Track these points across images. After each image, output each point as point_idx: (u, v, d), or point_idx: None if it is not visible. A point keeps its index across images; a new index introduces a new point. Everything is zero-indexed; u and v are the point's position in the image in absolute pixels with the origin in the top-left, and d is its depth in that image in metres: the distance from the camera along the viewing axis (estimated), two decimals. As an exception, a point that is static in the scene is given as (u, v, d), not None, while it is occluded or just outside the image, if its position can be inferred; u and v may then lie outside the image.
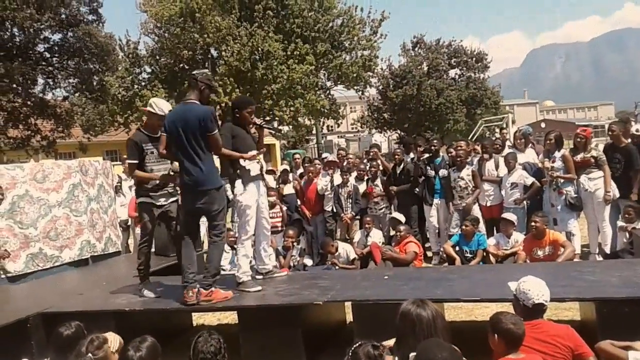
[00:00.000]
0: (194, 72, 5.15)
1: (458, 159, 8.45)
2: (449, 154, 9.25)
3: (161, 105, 5.42)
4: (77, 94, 19.61)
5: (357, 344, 2.93)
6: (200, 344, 3.04)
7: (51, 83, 18.86)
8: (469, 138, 23.10)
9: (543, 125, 46.85)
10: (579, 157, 7.61)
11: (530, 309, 3.44)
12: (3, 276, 6.86)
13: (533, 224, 6.65)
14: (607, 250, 7.47)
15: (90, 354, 3.23)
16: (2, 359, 4.38)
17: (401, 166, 9.07)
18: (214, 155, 5.02)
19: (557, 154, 7.74)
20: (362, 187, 9.28)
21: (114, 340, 3.48)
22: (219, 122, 5.48)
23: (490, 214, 8.22)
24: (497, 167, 8.38)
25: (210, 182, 4.90)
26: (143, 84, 22.75)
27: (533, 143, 9.45)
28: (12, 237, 6.96)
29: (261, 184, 5.52)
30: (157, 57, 22.26)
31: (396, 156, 9.36)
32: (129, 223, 9.39)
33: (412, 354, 2.72)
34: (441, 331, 3.04)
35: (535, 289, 3.45)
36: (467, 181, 8.26)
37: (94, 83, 18.72)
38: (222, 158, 5.21)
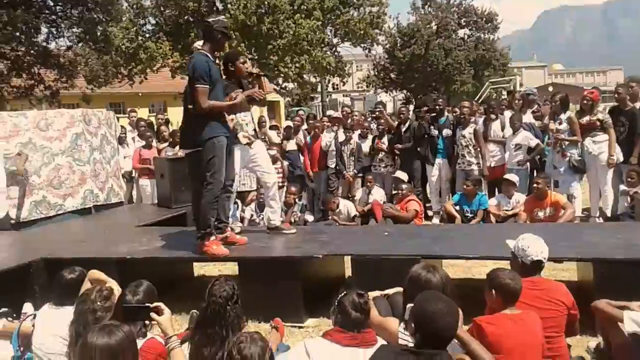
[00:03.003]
0: (210, 20, 4.96)
1: (462, 117, 8.42)
2: (454, 114, 9.20)
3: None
4: (80, 44, 19.33)
5: (343, 293, 2.98)
6: (215, 288, 3.08)
7: (54, 32, 18.59)
8: (476, 99, 22.86)
9: (551, 89, 46.20)
10: (584, 119, 7.55)
11: (528, 266, 3.45)
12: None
13: (535, 185, 6.66)
14: (608, 213, 7.48)
15: (98, 303, 3.30)
16: (5, 302, 4.45)
17: (406, 125, 9.03)
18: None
19: (563, 116, 7.68)
20: (365, 145, 9.26)
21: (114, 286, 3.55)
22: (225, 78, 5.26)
23: (493, 175, 8.21)
24: (502, 127, 8.34)
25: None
26: (147, 35, 22.45)
27: (539, 104, 9.36)
28: (15, 185, 6.99)
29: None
30: (162, 9, 21.89)
31: (401, 115, 9.34)
32: (133, 175, 9.40)
33: (410, 305, 2.75)
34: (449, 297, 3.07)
35: (534, 246, 3.46)
36: (469, 139, 8.24)
37: (98, 33, 18.43)
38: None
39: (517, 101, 8.79)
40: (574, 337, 3.68)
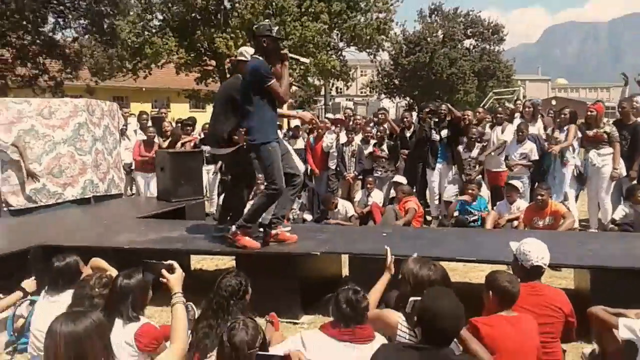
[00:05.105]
0: (253, 28, 4.99)
1: (465, 121, 8.50)
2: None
3: (252, 52, 5.17)
4: (87, 36, 19.39)
5: (340, 289, 3.01)
6: (223, 281, 3.16)
7: (61, 22, 18.68)
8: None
9: (554, 102, 46.11)
10: (591, 132, 7.55)
11: (528, 271, 3.45)
12: (6, 209, 6.92)
13: (539, 197, 6.61)
14: (607, 226, 7.46)
15: (97, 289, 3.30)
16: (2, 288, 4.44)
17: (411, 130, 9.06)
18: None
19: (565, 127, 7.70)
20: (367, 150, 9.26)
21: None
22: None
23: (495, 181, 8.23)
24: (502, 131, 8.35)
25: None
26: (154, 31, 22.45)
27: (542, 115, 9.35)
28: (16, 172, 6.99)
29: None
30: (170, 5, 21.87)
31: (404, 119, 9.35)
32: (132, 167, 9.39)
33: (413, 298, 2.77)
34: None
35: (536, 251, 3.45)
36: (476, 162, 8.35)
37: (105, 26, 18.50)
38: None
39: (527, 109, 8.72)
40: (569, 342, 3.67)
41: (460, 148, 8.48)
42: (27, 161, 6.96)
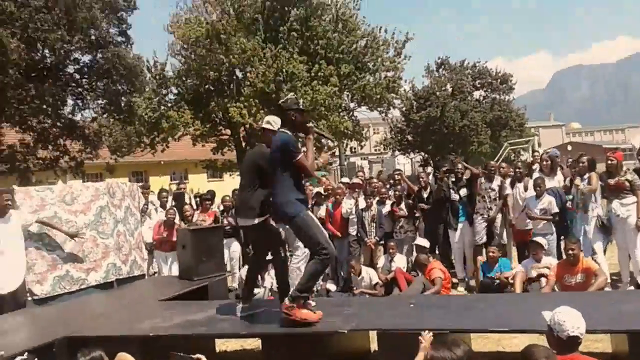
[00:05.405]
0: (280, 102, 5.10)
1: (492, 172, 8.46)
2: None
3: (278, 122, 5.29)
4: (105, 115, 19.90)
5: None
6: None
7: (80, 104, 19.16)
8: (494, 160, 22.85)
9: (569, 148, 46.12)
10: (613, 180, 7.46)
11: (565, 342, 3.33)
12: (30, 298, 6.92)
13: (570, 251, 6.48)
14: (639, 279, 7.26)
15: None
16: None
17: (427, 190, 9.03)
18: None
19: (586, 175, 7.64)
20: (385, 209, 9.22)
21: None
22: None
23: (519, 237, 8.11)
24: (525, 189, 8.29)
25: None
26: (169, 105, 23.04)
27: (561, 166, 9.30)
28: (40, 259, 7.03)
29: None
30: (184, 78, 22.55)
31: (420, 179, 9.35)
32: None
33: None
34: None
35: (571, 320, 3.35)
36: (497, 192, 8.24)
37: (122, 104, 18.99)
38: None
39: (545, 163, 8.68)
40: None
41: (482, 179, 8.42)
42: (61, 227, 7.02)
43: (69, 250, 7.18)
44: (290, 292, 4.88)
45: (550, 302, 3.60)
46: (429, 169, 24.49)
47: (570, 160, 9.88)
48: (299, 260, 6.25)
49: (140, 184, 10.96)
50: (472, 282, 8.38)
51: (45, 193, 7.28)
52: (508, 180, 8.88)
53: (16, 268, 6.59)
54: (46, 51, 17.06)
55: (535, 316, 3.84)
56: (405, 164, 35.26)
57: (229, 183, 25.43)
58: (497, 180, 8.33)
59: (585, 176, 7.65)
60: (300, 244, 6.02)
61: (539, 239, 7.33)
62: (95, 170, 22.56)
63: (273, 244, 5.45)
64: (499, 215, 8.47)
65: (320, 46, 22.19)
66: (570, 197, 8.12)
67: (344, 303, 5.99)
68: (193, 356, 2.97)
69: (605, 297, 5.67)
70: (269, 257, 5.64)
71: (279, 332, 4.90)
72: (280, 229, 5.60)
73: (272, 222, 5.37)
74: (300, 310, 4.76)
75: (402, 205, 9.04)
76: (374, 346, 5.37)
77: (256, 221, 5.20)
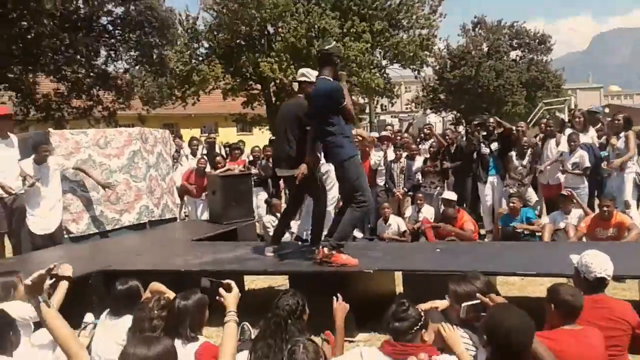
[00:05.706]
0: (326, 47, 5.05)
1: (524, 147, 8.31)
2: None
3: (314, 73, 5.30)
4: (137, 67, 20.04)
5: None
6: (280, 301, 3.19)
7: (113, 55, 19.30)
8: (528, 121, 22.42)
9: (607, 110, 44.81)
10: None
11: (591, 283, 3.33)
12: (66, 236, 7.16)
13: (605, 207, 6.41)
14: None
15: (155, 311, 3.37)
16: (66, 314, 4.57)
17: (454, 145, 8.99)
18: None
19: (622, 134, 7.45)
20: (415, 166, 9.17)
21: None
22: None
23: (549, 193, 8.02)
24: (557, 144, 8.15)
25: None
26: (200, 58, 23.09)
27: (602, 123, 9.10)
28: (75, 200, 7.24)
29: None
30: (215, 33, 22.51)
31: (446, 136, 9.30)
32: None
33: (465, 304, 2.75)
34: None
35: (598, 262, 3.34)
36: (528, 169, 8.17)
37: (154, 56, 19.05)
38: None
39: (577, 119, 8.53)
40: (638, 355, 3.51)
41: (513, 154, 8.31)
42: (96, 177, 7.20)
43: (103, 192, 7.36)
44: (329, 241, 4.97)
45: (578, 250, 3.57)
46: (460, 128, 24.11)
47: (606, 119, 9.64)
48: (328, 204, 6.26)
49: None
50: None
51: (80, 136, 7.44)
52: (537, 138, 8.72)
53: (56, 210, 6.85)
54: (80, 2, 17.13)
55: (563, 262, 3.83)
56: (436, 122, 34.71)
57: (259, 137, 25.55)
58: (527, 157, 8.22)
59: (622, 134, 7.47)
60: (331, 187, 6.02)
61: (568, 191, 7.28)
62: (127, 121, 22.78)
63: (314, 190, 5.52)
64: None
65: (354, 2, 21.84)
66: (606, 153, 7.95)
67: (370, 247, 6.07)
68: (223, 281, 3.06)
69: (635, 246, 5.61)
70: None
71: (307, 270, 5.00)
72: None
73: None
74: (340, 255, 4.89)
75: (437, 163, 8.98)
76: (399, 289, 5.44)
77: (291, 172, 5.27)
